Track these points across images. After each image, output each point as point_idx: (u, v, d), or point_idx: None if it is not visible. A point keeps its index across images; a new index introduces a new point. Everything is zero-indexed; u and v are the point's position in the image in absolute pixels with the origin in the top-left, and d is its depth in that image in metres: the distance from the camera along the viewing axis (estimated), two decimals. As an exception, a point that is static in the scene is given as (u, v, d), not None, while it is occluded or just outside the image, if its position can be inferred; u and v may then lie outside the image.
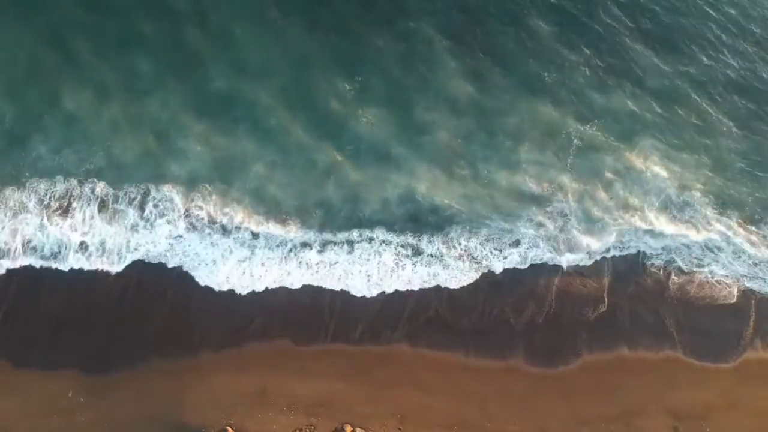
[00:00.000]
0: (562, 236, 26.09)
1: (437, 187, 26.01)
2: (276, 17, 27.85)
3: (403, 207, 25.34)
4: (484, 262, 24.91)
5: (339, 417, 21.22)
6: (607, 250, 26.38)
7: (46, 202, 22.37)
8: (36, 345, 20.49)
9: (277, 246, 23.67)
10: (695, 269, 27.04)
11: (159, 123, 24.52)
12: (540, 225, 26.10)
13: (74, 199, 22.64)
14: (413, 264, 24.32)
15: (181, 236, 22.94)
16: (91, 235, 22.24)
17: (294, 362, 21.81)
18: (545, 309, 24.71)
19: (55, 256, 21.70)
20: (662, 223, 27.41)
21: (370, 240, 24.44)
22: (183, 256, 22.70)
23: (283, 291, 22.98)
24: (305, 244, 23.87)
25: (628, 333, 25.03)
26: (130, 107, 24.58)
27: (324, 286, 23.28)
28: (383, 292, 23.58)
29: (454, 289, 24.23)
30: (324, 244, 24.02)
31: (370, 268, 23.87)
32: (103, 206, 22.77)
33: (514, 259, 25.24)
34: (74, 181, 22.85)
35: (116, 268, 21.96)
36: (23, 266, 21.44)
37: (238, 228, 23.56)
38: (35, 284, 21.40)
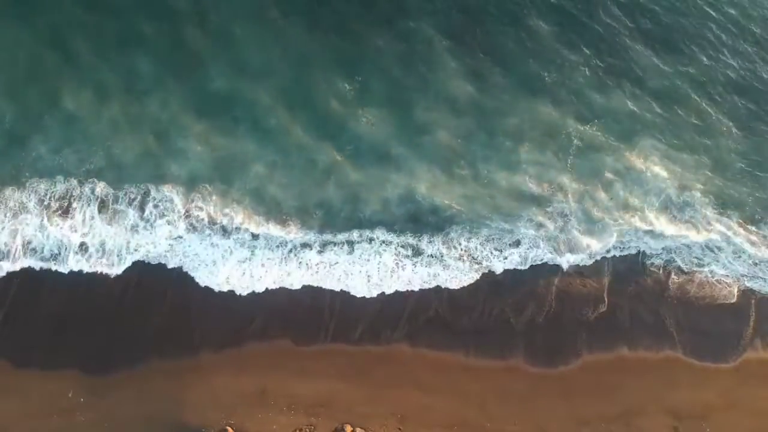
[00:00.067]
0: (562, 237, 26.09)
1: (437, 187, 25.99)
2: (276, 17, 27.79)
3: (403, 207, 25.32)
4: (485, 263, 24.90)
5: (339, 417, 21.23)
6: (607, 251, 26.39)
7: (46, 203, 22.34)
8: (36, 345, 20.49)
9: (277, 246, 23.67)
10: (695, 269, 27.09)
11: (159, 123, 24.47)
12: (540, 225, 26.09)
13: (74, 200, 22.61)
14: (413, 264, 24.31)
15: (181, 237, 22.93)
16: (91, 235, 22.21)
17: (294, 362, 21.81)
18: (545, 309, 24.73)
19: (54, 257, 21.67)
20: (662, 224, 27.40)
21: (370, 240, 24.43)
22: (183, 256, 22.69)
23: (283, 291, 22.96)
24: (305, 245, 23.86)
25: (628, 333, 25.06)
26: (130, 107, 24.53)
27: (324, 287, 23.27)
28: (383, 293, 23.57)
29: (454, 289, 24.23)
30: (324, 245, 24.01)
31: (370, 268, 23.87)
32: (103, 206, 22.74)
33: (514, 259, 25.25)
34: (74, 182, 22.81)
35: (116, 270, 21.93)
36: (23, 268, 21.42)
37: (238, 228, 23.52)
38: (35, 284, 21.37)
